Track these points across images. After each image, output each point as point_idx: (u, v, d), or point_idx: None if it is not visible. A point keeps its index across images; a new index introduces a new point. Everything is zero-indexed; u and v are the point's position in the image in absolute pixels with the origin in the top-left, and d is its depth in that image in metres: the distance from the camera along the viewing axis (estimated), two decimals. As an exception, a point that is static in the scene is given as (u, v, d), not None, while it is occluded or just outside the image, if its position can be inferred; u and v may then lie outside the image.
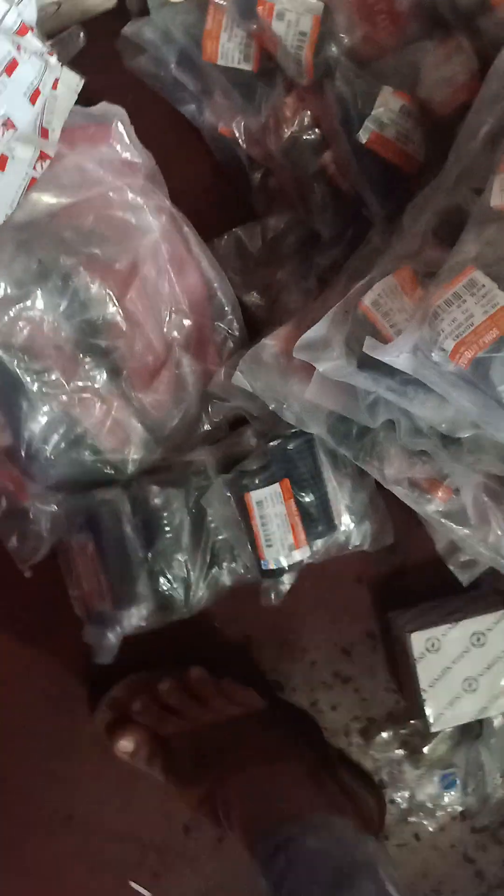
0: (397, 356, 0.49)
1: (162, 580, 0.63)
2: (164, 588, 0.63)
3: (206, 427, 0.68)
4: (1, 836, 0.72)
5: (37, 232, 0.56)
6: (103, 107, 0.57)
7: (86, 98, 0.59)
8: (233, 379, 0.63)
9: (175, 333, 0.66)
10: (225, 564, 0.65)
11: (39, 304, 0.57)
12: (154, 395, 0.65)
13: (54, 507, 0.66)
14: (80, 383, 0.61)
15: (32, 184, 0.52)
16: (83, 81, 0.54)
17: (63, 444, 0.61)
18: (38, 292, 0.57)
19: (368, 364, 0.53)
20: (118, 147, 0.58)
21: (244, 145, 0.69)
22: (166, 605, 0.63)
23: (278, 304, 0.69)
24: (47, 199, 0.56)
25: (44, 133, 0.51)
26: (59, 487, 0.65)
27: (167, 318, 0.65)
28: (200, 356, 0.67)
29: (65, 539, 0.66)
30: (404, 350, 0.49)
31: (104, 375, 0.62)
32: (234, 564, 0.65)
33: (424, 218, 0.57)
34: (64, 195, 0.57)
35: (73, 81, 0.53)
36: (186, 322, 0.66)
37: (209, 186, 0.73)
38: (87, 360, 0.61)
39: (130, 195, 0.60)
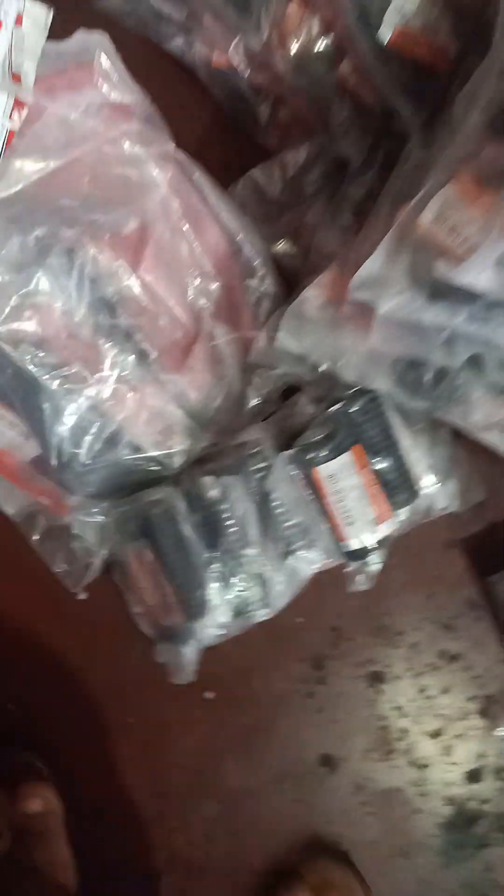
0: (479, 274, 0.42)
1: (234, 580, 0.56)
2: (239, 589, 0.56)
3: (254, 402, 0.60)
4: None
5: (28, 204, 0.48)
6: (81, 38, 0.49)
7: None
8: (276, 342, 0.56)
9: (202, 301, 0.58)
10: (300, 553, 0.58)
11: (44, 286, 0.49)
12: (190, 374, 0.57)
13: (100, 518, 0.60)
14: (106, 373, 0.53)
15: (11, 138, 0.44)
16: (52, 14, 0.45)
17: (98, 446, 0.54)
18: (40, 273, 0.49)
19: (441, 292, 0.45)
20: (105, 87, 0.50)
21: (245, 74, 0.60)
22: (243, 607, 0.56)
23: (313, 250, 0.61)
24: (33, 165, 0.48)
25: (15, 78, 0.43)
26: (101, 495, 0.59)
27: (191, 285, 0.57)
28: (235, 323, 0.59)
29: (118, 551, 0.59)
30: (487, 266, 0.42)
31: (131, 360, 0.55)
32: (311, 551, 0.58)
33: (475, 114, 0.49)
34: (51, 157, 0.49)
35: (40, 15, 0.44)
36: (213, 286, 0.58)
37: (211, 130, 0.65)
38: (109, 345, 0.54)
39: (127, 145, 0.51)
